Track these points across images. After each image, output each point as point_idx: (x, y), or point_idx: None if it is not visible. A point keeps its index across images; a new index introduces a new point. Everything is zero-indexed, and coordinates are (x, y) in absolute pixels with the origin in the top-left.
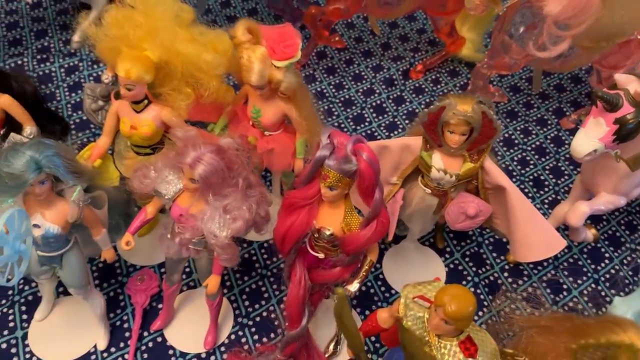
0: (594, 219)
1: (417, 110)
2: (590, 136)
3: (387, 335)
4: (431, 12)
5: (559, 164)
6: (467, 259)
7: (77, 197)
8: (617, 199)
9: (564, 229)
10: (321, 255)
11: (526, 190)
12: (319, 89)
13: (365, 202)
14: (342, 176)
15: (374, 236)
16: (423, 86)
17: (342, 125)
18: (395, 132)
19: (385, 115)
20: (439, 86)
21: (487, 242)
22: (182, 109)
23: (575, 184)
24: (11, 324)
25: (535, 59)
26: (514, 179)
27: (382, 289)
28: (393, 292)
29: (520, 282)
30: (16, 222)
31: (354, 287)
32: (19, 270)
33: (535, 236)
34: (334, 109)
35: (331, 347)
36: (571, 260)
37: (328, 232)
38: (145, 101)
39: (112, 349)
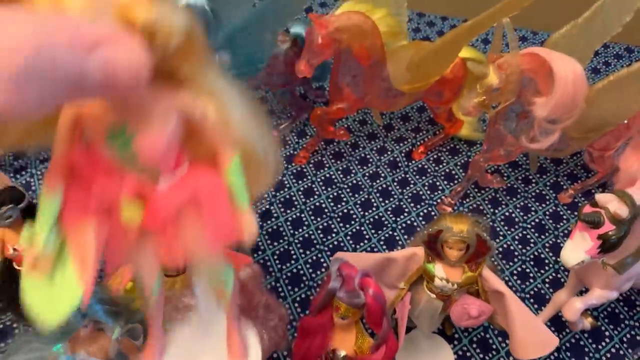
0: None
1: (420, 192)
2: (577, 248)
3: None
4: (430, 103)
5: (558, 241)
6: (474, 345)
7: (117, 335)
8: (609, 293)
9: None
10: None
11: (527, 270)
12: (327, 175)
13: (373, 329)
14: (351, 308)
15: (384, 359)
16: (426, 166)
17: (351, 212)
18: (401, 216)
19: (391, 199)
20: (440, 166)
21: (492, 327)
22: None
23: (571, 275)
24: None
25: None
26: (515, 259)
27: None
28: None
29: None
30: None
31: None
32: None
33: (531, 337)
34: (342, 195)
35: None
36: (573, 340)
37: (342, 355)
38: None
39: None
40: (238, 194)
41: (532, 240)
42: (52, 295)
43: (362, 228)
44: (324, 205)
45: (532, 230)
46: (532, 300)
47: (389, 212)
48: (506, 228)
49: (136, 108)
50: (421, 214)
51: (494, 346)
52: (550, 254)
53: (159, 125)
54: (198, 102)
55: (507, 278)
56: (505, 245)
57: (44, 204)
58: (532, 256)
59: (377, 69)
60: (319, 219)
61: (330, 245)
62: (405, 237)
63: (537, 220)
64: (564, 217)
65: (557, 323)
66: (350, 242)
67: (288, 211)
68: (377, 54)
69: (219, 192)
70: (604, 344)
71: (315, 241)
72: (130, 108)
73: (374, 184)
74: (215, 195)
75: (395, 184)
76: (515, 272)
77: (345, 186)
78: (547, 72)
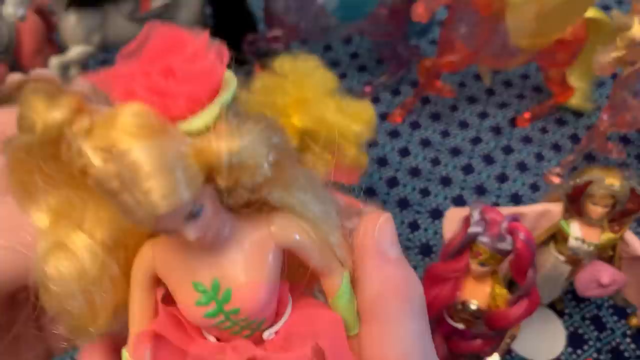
0: None
1: (525, 161)
2: None
3: None
4: (543, 63)
5: None
6: (587, 322)
7: None
8: None
9: None
10: (460, 326)
11: None
12: (424, 137)
13: (516, 279)
14: (494, 254)
15: (523, 315)
16: (531, 135)
17: (451, 175)
18: (506, 183)
19: (494, 165)
20: (546, 135)
21: (606, 304)
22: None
23: None
24: None
25: None
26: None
27: None
28: (513, 354)
29: None
30: None
31: (493, 358)
32: None
33: None
34: (442, 157)
35: None
36: None
37: (474, 307)
38: None
39: None
40: (350, 322)
41: None
42: None
43: (464, 192)
44: (420, 167)
45: None
46: None
47: (491, 179)
48: None
49: (226, 254)
50: (526, 182)
51: (608, 325)
52: None
53: (256, 269)
54: (293, 227)
55: None
56: None
57: None
58: None
59: (495, 21)
60: (415, 180)
61: (429, 207)
62: (511, 205)
63: None
64: None
65: None
66: (451, 206)
67: (382, 169)
68: (498, 4)
69: (335, 332)
70: None
71: (412, 202)
72: (218, 255)
73: (476, 148)
74: (334, 339)
75: (498, 150)
76: None
77: (444, 148)
78: None
